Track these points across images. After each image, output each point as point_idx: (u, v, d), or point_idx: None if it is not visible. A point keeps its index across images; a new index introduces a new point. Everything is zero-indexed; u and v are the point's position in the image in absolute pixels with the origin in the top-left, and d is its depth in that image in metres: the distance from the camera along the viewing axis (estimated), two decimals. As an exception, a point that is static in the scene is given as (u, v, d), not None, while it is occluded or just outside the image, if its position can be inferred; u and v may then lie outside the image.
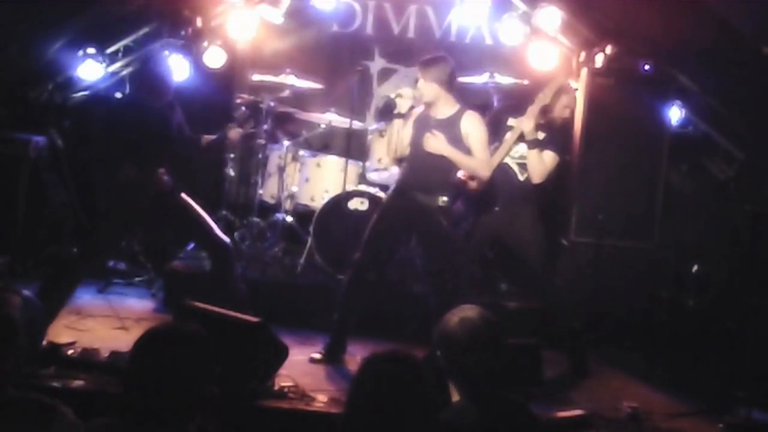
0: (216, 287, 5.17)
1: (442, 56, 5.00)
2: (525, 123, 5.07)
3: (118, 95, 5.30)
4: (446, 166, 4.91)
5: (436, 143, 4.85)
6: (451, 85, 4.90)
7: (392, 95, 5.08)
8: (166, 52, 6.44)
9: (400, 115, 5.00)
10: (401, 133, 5.00)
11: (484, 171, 4.97)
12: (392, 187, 5.20)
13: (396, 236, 5.13)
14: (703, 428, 4.60)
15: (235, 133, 5.40)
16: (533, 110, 5.09)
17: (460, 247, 5.16)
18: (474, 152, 4.88)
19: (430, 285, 5.14)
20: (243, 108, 5.54)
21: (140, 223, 5.50)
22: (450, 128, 4.88)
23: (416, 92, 4.95)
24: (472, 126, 4.88)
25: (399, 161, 5.23)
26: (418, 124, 4.98)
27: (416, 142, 4.96)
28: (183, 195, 5.23)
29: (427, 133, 4.88)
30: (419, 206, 4.93)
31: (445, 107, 4.92)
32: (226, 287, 5.18)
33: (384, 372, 2.39)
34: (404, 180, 5.06)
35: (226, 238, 5.29)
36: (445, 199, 4.92)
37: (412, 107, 5.02)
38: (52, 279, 5.10)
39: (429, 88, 4.87)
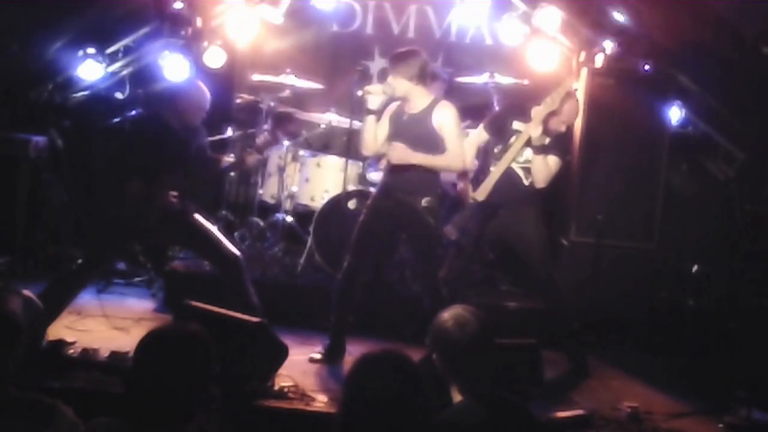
0: (230, 301, 5.12)
1: (411, 51, 4.92)
2: (533, 128, 5.06)
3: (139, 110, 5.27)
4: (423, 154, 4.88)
5: (401, 154, 4.80)
6: (422, 78, 4.84)
7: (360, 92, 5.01)
8: (166, 52, 6.46)
9: (371, 112, 4.93)
10: (376, 130, 4.96)
11: (459, 165, 4.92)
12: (377, 188, 5.19)
13: (385, 237, 5.11)
14: (703, 428, 4.60)
15: (253, 159, 5.38)
16: (540, 115, 5.06)
17: (462, 251, 5.16)
18: (447, 144, 4.81)
19: (422, 286, 5.13)
20: (266, 133, 5.51)
21: (144, 238, 5.43)
22: (423, 121, 4.84)
23: (386, 88, 4.89)
24: (445, 117, 4.81)
25: (378, 158, 5.19)
26: (393, 120, 4.96)
27: (392, 138, 4.93)
28: (195, 215, 5.21)
29: (389, 146, 4.84)
30: (405, 207, 4.91)
31: (418, 100, 4.87)
32: (239, 301, 5.09)
33: (375, 371, 2.39)
34: (388, 181, 5.03)
35: (237, 252, 5.25)
36: (428, 199, 4.88)
37: (388, 103, 4.97)
38: (56, 283, 5.11)
39: (399, 84, 4.82)
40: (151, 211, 5.01)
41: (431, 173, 4.91)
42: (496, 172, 5.14)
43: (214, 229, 5.31)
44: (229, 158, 5.57)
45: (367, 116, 4.94)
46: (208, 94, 5.26)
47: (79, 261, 5.30)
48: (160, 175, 5.02)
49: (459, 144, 4.86)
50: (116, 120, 6.57)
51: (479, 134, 5.31)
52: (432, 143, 4.83)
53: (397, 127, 4.92)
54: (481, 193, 5.14)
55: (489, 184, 5.13)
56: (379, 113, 4.97)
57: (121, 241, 5.25)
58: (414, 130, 4.85)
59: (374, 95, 4.89)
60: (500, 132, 5.22)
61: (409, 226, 4.98)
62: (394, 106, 5.02)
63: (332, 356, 5.01)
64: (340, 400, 2.44)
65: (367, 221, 5.03)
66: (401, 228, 5.07)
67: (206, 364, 2.40)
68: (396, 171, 4.92)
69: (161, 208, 5.02)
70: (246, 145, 6.23)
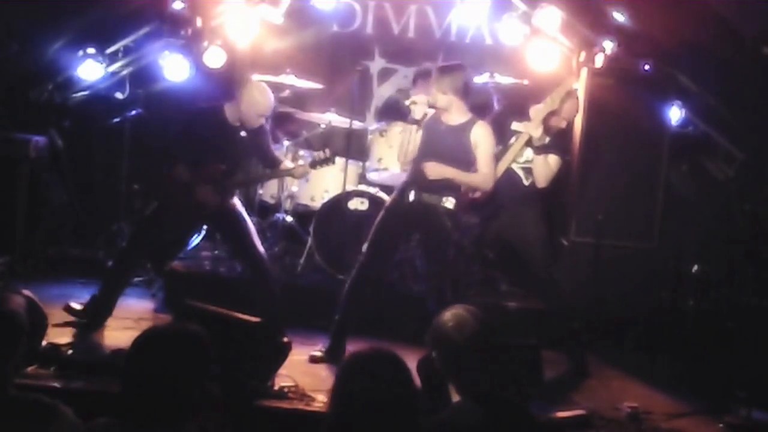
0: (252, 299, 5.17)
1: (458, 65, 5.00)
2: (533, 128, 5.06)
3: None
4: (452, 165, 4.90)
5: (437, 170, 4.84)
6: (465, 93, 4.90)
7: (407, 102, 5.02)
8: (166, 52, 6.46)
9: (415, 122, 4.95)
10: (415, 139, 4.97)
11: (488, 185, 5.00)
12: (398, 187, 5.17)
13: (400, 237, 5.14)
14: (703, 428, 4.60)
15: (301, 170, 5.52)
16: (541, 115, 5.06)
17: (464, 252, 5.17)
18: (480, 165, 4.88)
19: (428, 287, 5.13)
20: (326, 151, 5.54)
21: (179, 222, 5.42)
22: (460, 136, 4.89)
23: (430, 99, 4.92)
24: (483, 138, 4.89)
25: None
26: (428, 128, 4.96)
27: (424, 145, 4.94)
28: (235, 209, 5.31)
29: (426, 164, 4.85)
30: (424, 206, 4.93)
31: (457, 114, 4.92)
32: (259, 300, 5.18)
33: (364, 369, 2.40)
34: (410, 180, 5.03)
35: (262, 250, 5.33)
36: (452, 200, 4.91)
37: (425, 114, 4.99)
38: (105, 278, 5.31)
39: (443, 95, 4.86)
40: (190, 197, 5.10)
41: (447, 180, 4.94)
42: (496, 172, 5.14)
43: (249, 224, 5.36)
44: (289, 164, 5.62)
45: (410, 125, 4.98)
46: (272, 101, 5.30)
47: (119, 251, 5.51)
48: (206, 165, 5.13)
49: (492, 166, 4.94)
50: (116, 120, 6.58)
51: None
52: (464, 157, 4.88)
53: (433, 135, 4.93)
54: (481, 195, 5.14)
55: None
56: (419, 124, 4.97)
57: (159, 226, 5.31)
58: (450, 142, 4.89)
59: (420, 105, 4.92)
60: (499, 133, 5.23)
61: (427, 227, 4.99)
62: (429, 114, 5.02)
63: (333, 355, 5.00)
64: (329, 398, 2.44)
65: (385, 220, 5.04)
66: (418, 228, 5.09)
67: (204, 364, 2.40)
68: (420, 170, 4.92)
69: (203, 199, 5.13)
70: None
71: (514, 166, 5.22)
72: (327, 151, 5.50)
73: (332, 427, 2.37)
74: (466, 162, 4.90)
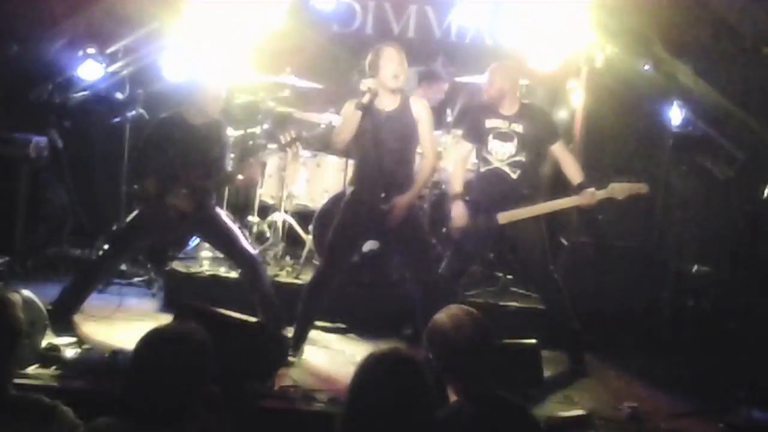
0: (249, 300, 5.16)
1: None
2: (586, 201, 5.16)
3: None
4: (409, 155, 4.96)
5: (403, 206, 4.84)
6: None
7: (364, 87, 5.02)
8: (166, 52, 6.46)
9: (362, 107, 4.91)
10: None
11: (437, 163, 5.24)
12: (354, 193, 5.03)
13: (362, 241, 5.15)
14: (703, 428, 4.60)
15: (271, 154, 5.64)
16: (598, 198, 5.17)
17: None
18: (424, 142, 4.97)
19: (414, 278, 5.13)
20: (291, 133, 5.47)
21: (164, 233, 5.36)
22: (401, 118, 4.89)
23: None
24: (424, 111, 4.96)
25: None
26: (372, 119, 4.87)
27: (375, 140, 4.84)
28: (217, 212, 5.29)
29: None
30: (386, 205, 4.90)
31: (387, 97, 4.94)
32: (256, 300, 5.16)
33: (384, 370, 2.40)
34: (369, 184, 4.93)
35: (252, 251, 5.31)
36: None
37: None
38: (79, 272, 5.34)
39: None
40: (167, 208, 5.07)
41: (411, 162, 5.00)
42: (528, 211, 5.13)
43: (234, 228, 5.35)
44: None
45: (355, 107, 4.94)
46: (221, 83, 5.33)
47: (103, 249, 5.47)
48: (177, 172, 5.09)
49: (433, 137, 5.12)
50: (116, 120, 6.58)
51: (462, 147, 5.37)
52: (414, 135, 4.98)
53: (377, 126, 4.91)
54: (504, 218, 5.14)
55: (517, 215, 5.13)
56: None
57: (140, 235, 5.31)
58: (395, 125, 4.92)
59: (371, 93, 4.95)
60: (478, 136, 5.24)
61: (398, 225, 4.92)
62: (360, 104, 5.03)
63: (297, 348, 4.96)
64: (346, 397, 2.44)
65: (346, 228, 4.99)
66: (385, 229, 4.99)
67: (205, 364, 2.41)
68: (376, 170, 4.86)
69: (176, 205, 5.08)
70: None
71: (499, 164, 5.20)
72: (291, 132, 5.39)
73: (347, 425, 2.37)
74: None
